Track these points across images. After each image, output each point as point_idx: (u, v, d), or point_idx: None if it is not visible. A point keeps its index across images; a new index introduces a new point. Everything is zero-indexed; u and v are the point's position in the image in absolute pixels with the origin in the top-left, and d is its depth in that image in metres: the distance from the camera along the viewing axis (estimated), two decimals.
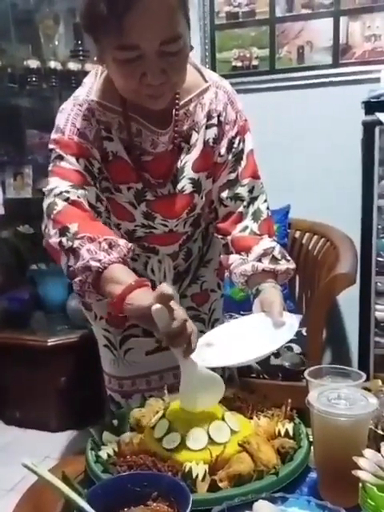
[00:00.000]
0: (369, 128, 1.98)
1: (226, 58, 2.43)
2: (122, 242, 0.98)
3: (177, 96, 1.10)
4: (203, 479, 0.79)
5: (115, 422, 0.99)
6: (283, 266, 1.16)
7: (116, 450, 0.87)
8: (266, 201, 1.23)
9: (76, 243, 0.97)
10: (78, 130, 1.08)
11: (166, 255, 1.27)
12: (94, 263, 0.94)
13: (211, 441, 0.85)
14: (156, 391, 1.17)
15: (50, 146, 1.10)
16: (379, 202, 2.03)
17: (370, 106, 2.00)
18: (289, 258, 1.19)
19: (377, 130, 1.96)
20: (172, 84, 0.99)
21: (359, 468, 0.72)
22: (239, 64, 2.44)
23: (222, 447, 0.84)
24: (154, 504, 0.72)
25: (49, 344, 2.38)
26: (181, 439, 0.85)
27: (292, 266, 1.18)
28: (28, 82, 2.40)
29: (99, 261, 0.94)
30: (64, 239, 0.99)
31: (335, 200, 2.34)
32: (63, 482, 0.71)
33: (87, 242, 0.97)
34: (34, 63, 2.39)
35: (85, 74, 2.34)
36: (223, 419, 0.89)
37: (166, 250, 1.26)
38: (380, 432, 0.83)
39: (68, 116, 1.09)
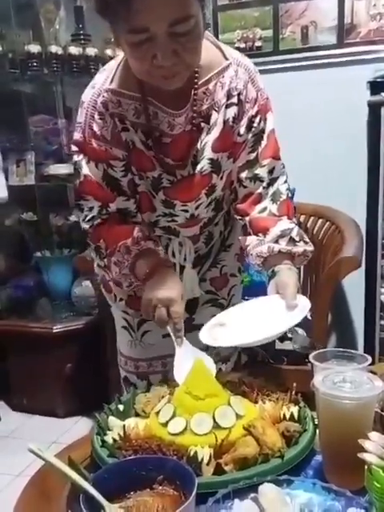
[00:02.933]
0: (374, 108, 1.95)
1: (230, 39, 2.38)
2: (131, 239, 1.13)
3: (196, 75, 1.09)
4: (208, 463, 0.80)
5: (121, 407, 0.99)
6: (301, 248, 1.15)
7: (121, 434, 0.87)
8: (286, 182, 1.21)
9: (105, 261, 1.18)
10: (95, 132, 1.11)
11: (186, 238, 1.27)
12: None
13: (216, 425, 0.85)
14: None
15: (73, 148, 1.17)
16: None
17: (376, 86, 1.97)
18: (307, 239, 1.18)
19: (383, 110, 1.94)
20: (186, 64, 0.98)
21: (365, 451, 0.72)
22: (242, 45, 2.40)
23: (227, 431, 0.84)
24: (160, 487, 0.72)
25: (54, 331, 2.39)
26: (186, 424, 0.85)
27: (310, 248, 1.17)
28: (29, 67, 2.37)
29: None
30: (98, 259, 1.21)
31: (340, 183, 2.32)
32: (69, 467, 0.71)
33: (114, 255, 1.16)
34: (34, 48, 2.36)
35: (87, 58, 2.38)
36: (229, 404, 0.89)
37: (186, 233, 1.26)
38: None
39: (86, 115, 1.12)
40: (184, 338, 1.07)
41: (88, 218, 1.19)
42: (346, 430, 0.78)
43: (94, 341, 2.26)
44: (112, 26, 0.96)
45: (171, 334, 1.08)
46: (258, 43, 2.41)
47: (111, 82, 1.10)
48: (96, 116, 1.11)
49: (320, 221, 2.26)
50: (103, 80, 1.11)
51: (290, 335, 1.14)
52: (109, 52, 2.41)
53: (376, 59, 2.19)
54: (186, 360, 1.00)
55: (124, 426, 0.90)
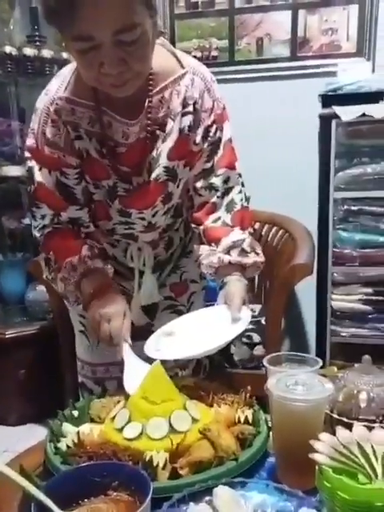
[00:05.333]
0: (325, 121, 2.00)
1: (186, 47, 2.41)
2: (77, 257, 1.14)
3: (150, 83, 1.09)
4: (164, 467, 0.80)
5: (75, 413, 0.98)
6: (251, 259, 1.16)
7: (76, 441, 0.86)
8: (241, 192, 1.22)
9: (53, 275, 1.18)
10: (48, 139, 1.10)
11: (145, 243, 1.26)
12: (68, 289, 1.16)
13: (172, 429, 0.85)
14: None
15: (26, 154, 1.16)
16: (335, 194, 2.07)
17: (327, 99, 2.03)
18: (259, 251, 1.19)
19: (333, 123, 1.99)
20: (135, 72, 0.97)
21: (316, 451, 0.74)
22: (199, 54, 2.42)
23: (182, 435, 0.85)
24: (115, 493, 0.71)
25: (7, 336, 2.34)
26: (142, 429, 0.85)
27: (261, 259, 1.18)
28: None
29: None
30: (46, 271, 1.20)
31: (293, 191, 2.37)
32: (21, 475, 0.70)
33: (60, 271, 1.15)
34: None
35: (42, 59, 2.35)
36: (184, 408, 0.89)
37: (145, 237, 1.25)
38: (335, 416, 0.86)
39: (39, 122, 1.11)
40: (128, 350, 1.07)
41: (40, 226, 1.18)
42: (298, 431, 0.80)
43: (48, 346, 2.22)
44: (60, 32, 0.95)
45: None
46: (214, 53, 2.45)
47: (65, 89, 1.09)
48: (49, 123, 1.09)
49: (274, 228, 2.31)
50: (57, 87, 1.10)
51: (243, 340, 1.16)
52: (64, 55, 2.39)
53: (327, 73, 2.26)
54: (135, 370, 1.01)
55: (78, 432, 0.89)
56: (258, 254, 1.18)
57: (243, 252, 1.16)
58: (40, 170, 1.14)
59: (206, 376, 1.13)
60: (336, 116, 1.95)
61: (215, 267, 1.16)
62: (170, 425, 0.86)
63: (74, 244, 1.16)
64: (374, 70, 2.18)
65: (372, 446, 0.75)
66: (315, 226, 2.11)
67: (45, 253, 1.19)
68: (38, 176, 1.14)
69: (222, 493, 0.71)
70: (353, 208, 2.10)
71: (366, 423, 0.81)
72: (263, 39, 2.40)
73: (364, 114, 1.92)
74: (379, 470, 0.73)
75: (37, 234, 1.19)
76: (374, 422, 0.84)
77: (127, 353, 1.05)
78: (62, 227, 1.18)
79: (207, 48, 2.45)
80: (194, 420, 0.88)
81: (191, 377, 1.02)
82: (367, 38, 2.26)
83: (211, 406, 0.96)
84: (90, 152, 1.12)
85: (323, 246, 2.10)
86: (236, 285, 1.12)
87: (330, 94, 2.04)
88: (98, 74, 0.96)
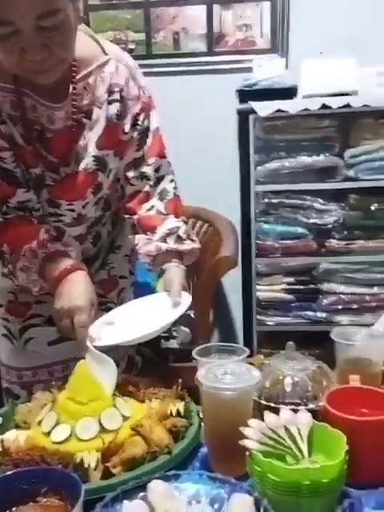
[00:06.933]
0: (243, 116, 2.04)
1: None
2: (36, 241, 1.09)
3: (74, 69, 1.07)
4: (96, 468, 0.78)
5: None
6: (188, 246, 1.17)
7: (0, 449, 0.83)
8: (173, 181, 1.23)
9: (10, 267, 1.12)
10: None
11: (72, 238, 1.22)
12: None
13: (103, 428, 0.84)
14: (60, 382, 1.15)
15: None
16: (256, 188, 2.12)
17: (244, 95, 2.07)
18: (194, 237, 1.20)
19: (251, 118, 2.04)
20: (58, 59, 0.96)
21: (246, 438, 0.75)
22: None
23: (114, 434, 0.84)
24: (44, 499, 0.69)
25: None
26: (71, 430, 0.84)
27: (197, 245, 1.19)
28: None
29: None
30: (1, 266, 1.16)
31: (216, 186, 2.40)
32: None
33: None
34: None
35: None
36: (114, 406, 0.89)
37: (72, 232, 1.22)
38: (263, 402, 0.88)
39: None
40: (90, 346, 1.01)
41: None
42: (229, 419, 0.81)
43: None
44: None
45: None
46: (131, 46, 2.42)
47: None
48: None
49: (199, 222, 2.34)
50: None
51: (174, 333, 1.17)
52: None
53: (244, 69, 2.29)
54: (100, 371, 0.96)
55: (2, 440, 0.85)
56: (193, 240, 1.19)
57: (179, 239, 1.16)
58: None
59: (139, 372, 1.12)
60: (253, 111, 2.00)
61: (153, 255, 1.16)
62: (100, 424, 0.85)
63: (30, 229, 1.11)
64: (287, 66, 2.24)
65: (298, 428, 0.78)
66: (238, 219, 2.15)
67: None
68: None
69: (155, 487, 0.71)
70: (273, 201, 2.17)
71: (291, 407, 0.85)
72: (180, 33, 2.41)
73: (279, 110, 1.98)
74: (305, 451, 0.76)
75: None
76: (299, 404, 0.87)
77: (91, 352, 1.00)
78: (12, 216, 1.11)
79: (123, 41, 2.42)
80: (125, 417, 0.87)
81: (123, 374, 1.01)
82: (280, 34, 2.33)
83: (142, 401, 0.96)
84: (15, 137, 1.08)
85: (246, 239, 2.15)
86: (174, 271, 1.12)
87: (246, 89, 2.08)
88: (20, 60, 0.93)
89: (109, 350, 1.00)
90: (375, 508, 0.72)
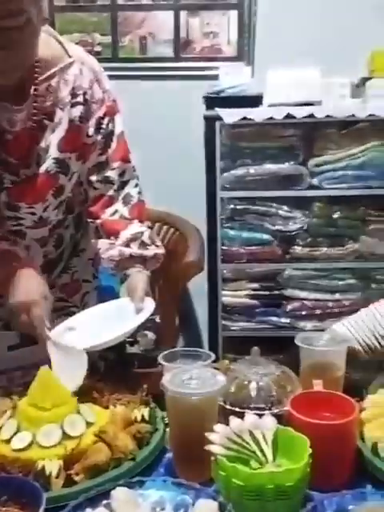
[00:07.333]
0: (209, 122, 2.06)
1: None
2: None
3: (36, 70, 1.05)
4: (58, 475, 0.77)
5: None
6: (152, 251, 1.16)
7: None
8: (137, 185, 1.22)
9: None
10: None
11: (34, 240, 1.21)
12: None
13: (65, 435, 0.83)
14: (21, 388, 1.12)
15: None
16: (222, 194, 2.14)
17: (210, 101, 2.08)
18: (159, 243, 1.20)
19: (217, 124, 2.06)
20: (18, 61, 0.95)
21: (211, 443, 0.75)
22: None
23: (77, 440, 0.82)
24: (4, 509, 0.68)
25: None
26: (32, 437, 0.82)
27: (161, 251, 1.19)
28: None
29: None
30: None
31: (183, 191, 2.40)
32: None
33: None
34: None
35: None
36: (78, 412, 0.87)
37: (34, 234, 1.20)
38: (228, 407, 0.88)
39: None
40: (52, 339, 1.02)
41: None
42: (194, 424, 0.81)
43: None
44: None
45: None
46: (98, 48, 2.41)
47: None
48: None
49: (165, 227, 2.33)
50: None
51: (138, 338, 1.16)
52: None
53: (210, 76, 2.29)
54: (65, 362, 0.97)
55: None
56: (157, 246, 1.19)
57: (143, 244, 1.16)
58: None
59: (102, 378, 1.11)
60: (220, 118, 2.01)
61: (116, 260, 1.15)
62: (63, 430, 0.83)
63: None
64: (253, 75, 2.27)
65: (262, 433, 0.78)
66: (204, 225, 2.15)
67: None
68: None
69: (119, 494, 0.70)
70: (238, 207, 2.19)
71: (256, 411, 0.85)
72: (147, 38, 2.41)
73: (245, 118, 2.00)
74: (269, 455, 0.76)
75: None
76: (264, 409, 0.88)
77: (50, 346, 1.00)
78: None
79: (90, 43, 2.40)
80: (89, 423, 0.86)
81: (86, 380, 1.00)
82: (247, 43, 2.36)
83: (107, 407, 0.95)
84: None
85: (212, 244, 2.16)
86: (138, 276, 1.12)
87: (213, 96, 2.10)
88: None
89: None
90: (336, 511, 0.73)
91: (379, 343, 1.23)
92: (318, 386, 0.92)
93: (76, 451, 0.81)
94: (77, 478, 0.78)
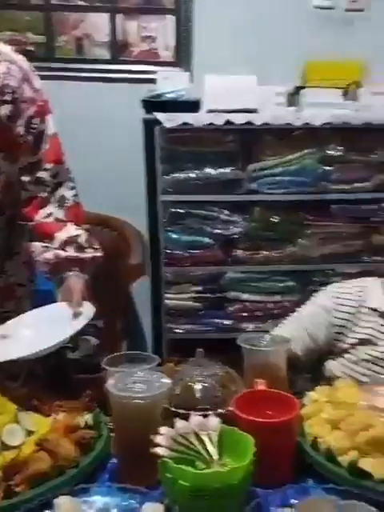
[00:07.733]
0: (148, 126, 2.05)
1: None
2: None
3: None
4: None
5: None
6: (89, 254, 1.14)
7: None
8: (73, 188, 1.20)
9: None
10: None
11: None
12: None
13: (4, 445, 0.80)
14: None
15: None
16: (162, 197, 2.13)
17: (149, 105, 2.07)
18: (97, 246, 1.18)
19: (156, 128, 2.05)
20: None
21: (157, 445, 0.75)
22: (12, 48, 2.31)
23: (17, 450, 0.80)
24: None
25: None
26: None
27: (99, 254, 1.17)
28: None
29: None
30: None
31: (124, 194, 2.38)
32: None
33: None
34: None
35: None
36: (16, 421, 0.84)
37: None
38: (173, 409, 0.88)
39: None
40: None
41: None
42: (139, 428, 0.81)
43: None
44: None
45: None
46: (30, 48, 2.34)
47: None
48: None
49: (106, 230, 2.30)
50: None
51: (79, 344, 1.13)
52: None
53: (148, 80, 2.27)
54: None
55: None
56: (96, 249, 1.17)
57: (80, 247, 1.14)
58: None
59: (43, 385, 1.07)
60: (159, 122, 2.01)
61: (51, 263, 1.12)
62: (1, 441, 0.80)
63: None
64: (192, 80, 2.29)
65: (207, 433, 0.79)
66: (146, 228, 2.14)
67: None
68: None
69: (62, 503, 0.69)
70: (180, 211, 2.19)
71: (201, 412, 0.85)
72: (83, 39, 2.37)
73: (186, 123, 2.01)
74: (215, 454, 0.77)
75: None
76: (209, 410, 0.88)
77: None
78: None
79: (23, 42, 2.33)
80: (29, 432, 0.84)
81: (24, 387, 0.96)
82: (184, 48, 2.37)
83: (49, 415, 0.92)
84: None
85: (155, 248, 2.15)
86: (75, 280, 1.10)
87: (151, 100, 2.09)
88: None
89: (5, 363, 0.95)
90: (279, 506, 0.75)
91: (314, 341, 1.29)
92: (260, 385, 0.93)
93: (16, 461, 0.78)
94: (17, 489, 0.75)
